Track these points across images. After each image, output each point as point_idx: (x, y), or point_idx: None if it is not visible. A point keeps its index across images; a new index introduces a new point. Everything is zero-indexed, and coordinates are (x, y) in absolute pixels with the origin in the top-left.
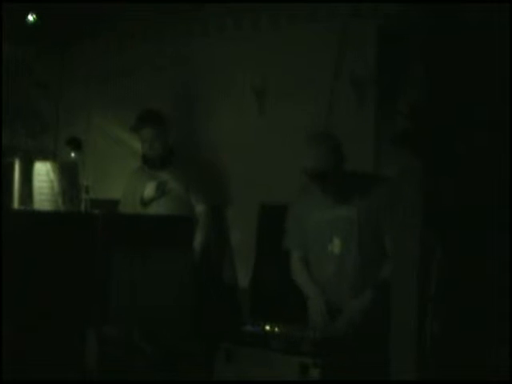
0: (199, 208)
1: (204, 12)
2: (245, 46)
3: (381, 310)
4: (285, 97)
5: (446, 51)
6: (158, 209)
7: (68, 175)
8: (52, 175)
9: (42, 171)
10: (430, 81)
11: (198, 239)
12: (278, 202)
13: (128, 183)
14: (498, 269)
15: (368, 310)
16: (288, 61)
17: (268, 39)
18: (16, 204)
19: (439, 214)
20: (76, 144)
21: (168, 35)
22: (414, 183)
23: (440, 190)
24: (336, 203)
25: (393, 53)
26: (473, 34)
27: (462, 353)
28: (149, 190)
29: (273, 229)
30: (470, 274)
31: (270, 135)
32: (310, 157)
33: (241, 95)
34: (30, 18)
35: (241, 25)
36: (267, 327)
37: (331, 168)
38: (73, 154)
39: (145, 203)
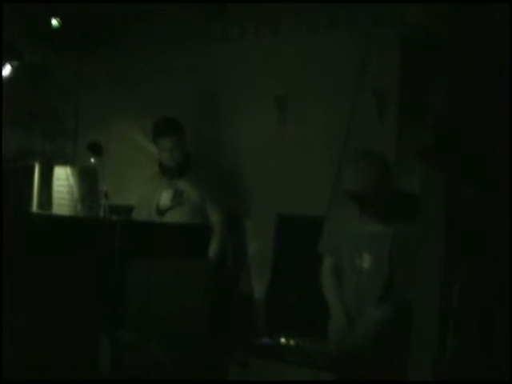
0: (215, 217)
1: (225, 19)
2: (266, 55)
3: (401, 325)
4: (306, 107)
5: (472, 60)
6: (173, 218)
7: (87, 180)
8: (71, 180)
9: (62, 176)
10: (455, 92)
11: (214, 248)
12: (296, 213)
13: (144, 190)
14: None
15: (387, 323)
16: (309, 71)
17: (289, 48)
18: (35, 208)
19: (463, 228)
20: (96, 149)
21: (188, 41)
22: (437, 197)
23: (464, 203)
24: (371, 221)
25: (417, 63)
26: (499, 41)
27: (481, 371)
28: (165, 198)
29: (290, 240)
30: (494, 290)
31: (289, 145)
32: (352, 177)
33: (261, 104)
34: (54, 22)
35: (262, 33)
36: (282, 339)
37: (374, 191)
38: (93, 160)
39: (161, 212)
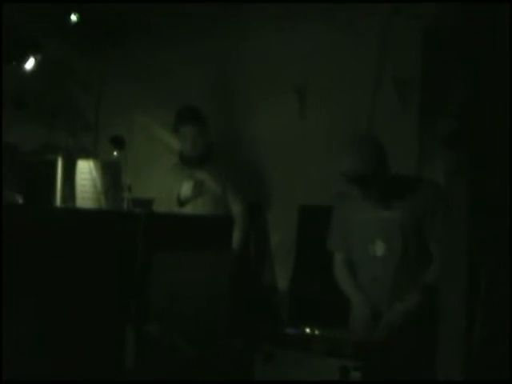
0: (236, 208)
1: (244, 13)
2: (286, 48)
3: (426, 314)
4: (327, 98)
5: (491, 49)
6: (194, 209)
7: (110, 174)
8: (94, 173)
9: (85, 169)
10: (477, 80)
11: (237, 239)
12: (319, 204)
13: (164, 181)
14: None
15: (412, 313)
16: (330, 62)
17: (309, 40)
18: (58, 202)
19: (489, 216)
20: (119, 143)
21: (209, 33)
22: (461, 186)
23: (489, 192)
24: (378, 206)
25: (438, 53)
26: None
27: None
28: (185, 189)
29: (313, 231)
30: None
31: (311, 136)
32: (349, 160)
33: (282, 95)
34: (73, 17)
35: (281, 26)
36: (307, 330)
37: (371, 172)
38: (115, 153)
39: (182, 203)
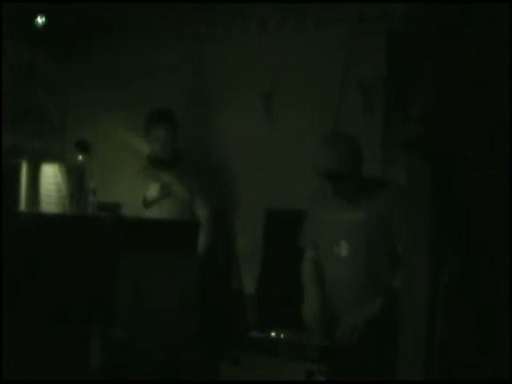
0: (202, 212)
1: (211, 16)
2: (252, 52)
3: (391, 317)
4: (292, 101)
5: (456, 52)
6: (160, 211)
7: (75, 178)
8: (59, 178)
9: (50, 173)
10: (441, 84)
11: (203, 244)
12: (285, 208)
13: (131, 184)
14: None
15: (376, 317)
16: (295, 67)
17: (275, 43)
18: (23, 206)
19: (450, 219)
20: (84, 147)
21: (175, 39)
22: (423, 188)
23: (451, 194)
24: (347, 206)
25: (401, 56)
26: (483, 33)
27: (470, 359)
28: (152, 190)
29: (279, 234)
30: (482, 280)
31: (277, 139)
32: (323, 156)
33: (248, 100)
34: (39, 20)
35: (248, 30)
36: (273, 333)
37: (346, 170)
38: (80, 157)
39: (147, 204)
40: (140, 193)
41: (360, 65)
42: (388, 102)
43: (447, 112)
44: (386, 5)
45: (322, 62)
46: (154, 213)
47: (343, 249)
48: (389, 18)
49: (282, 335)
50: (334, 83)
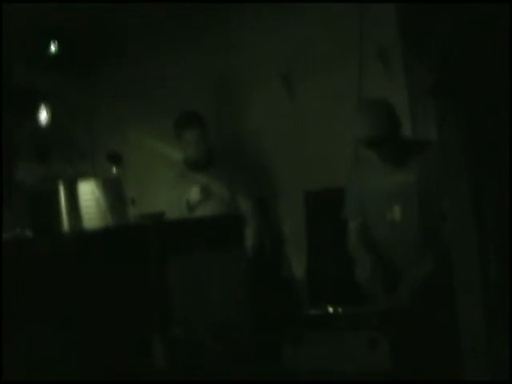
0: (245, 206)
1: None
2: (266, 35)
3: (445, 276)
4: (313, 79)
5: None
6: (204, 212)
7: (113, 190)
8: (97, 193)
9: (87, 190)
10: (455, 33)
11: (249, 236)
12: (322, 187)
13: (170, 191)
14: None
15: (431, 277)
16: (311, 41)
17: (289, 25)
18: (66, 227)
19: (487, 165)
20: (116, 158)
21: (189, 39)
22: (455, 138)
23: (485, 139)
24: (394, 170)
25: (413, 13)
26: None
27: None
28: (193, 194)
29: (320, 214)
30: None
31: (304, 120)
32: (364, 124)
33: (270, 85)
34: (53, 48)
35: (260, 13)
36: (330, 309)
37: (388, 134)
38: (114, 169)
39: (191, 207)
40: (182, 198)
41: (374, 28)
42: (408, 59)
43: (467, 55)
44: None
45: (338, 32)
46: (199, 215)
47: (396, 212)
48: None
49: (339, 309)
50: (351, 54)
